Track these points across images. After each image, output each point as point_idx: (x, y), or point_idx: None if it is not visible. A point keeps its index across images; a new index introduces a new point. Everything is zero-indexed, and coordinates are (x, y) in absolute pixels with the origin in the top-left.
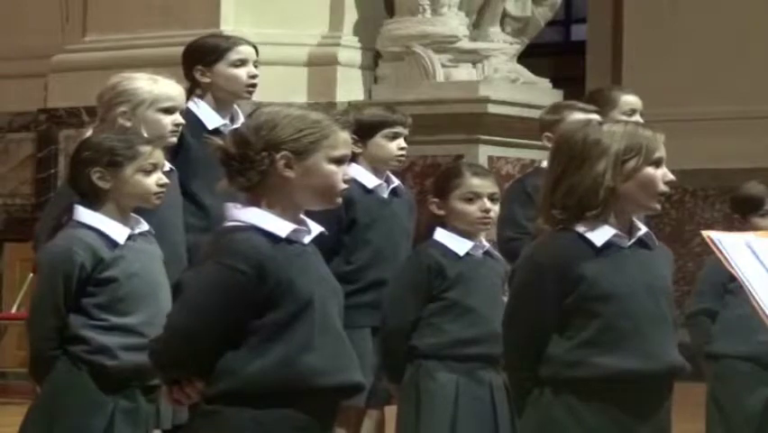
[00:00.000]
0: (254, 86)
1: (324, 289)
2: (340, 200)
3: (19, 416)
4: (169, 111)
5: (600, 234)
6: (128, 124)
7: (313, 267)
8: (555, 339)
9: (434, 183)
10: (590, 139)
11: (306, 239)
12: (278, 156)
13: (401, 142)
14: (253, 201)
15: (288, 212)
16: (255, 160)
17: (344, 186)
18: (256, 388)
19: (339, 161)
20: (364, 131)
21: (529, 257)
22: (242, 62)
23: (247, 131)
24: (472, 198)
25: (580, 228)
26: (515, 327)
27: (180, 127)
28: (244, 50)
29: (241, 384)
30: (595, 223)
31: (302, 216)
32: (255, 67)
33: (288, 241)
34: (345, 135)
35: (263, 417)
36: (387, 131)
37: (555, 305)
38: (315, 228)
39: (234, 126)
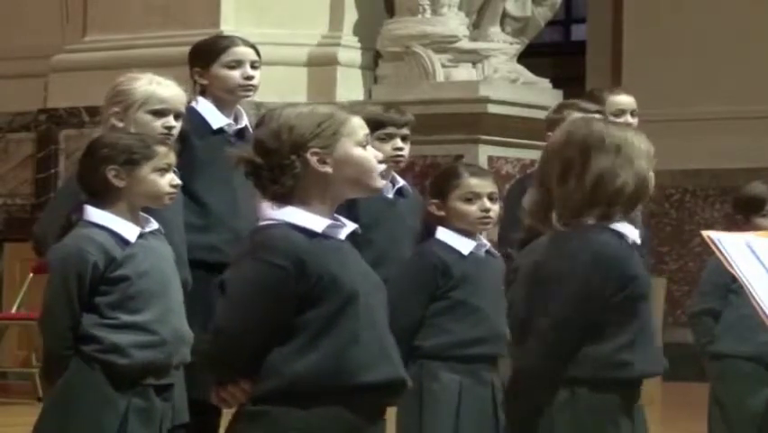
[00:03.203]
0: (251, 87)
1: (368, 283)
2: (381, 184)
3: (19, 416)
4: (159, 113)
5: (631, 232)
6: (120, 124)
7: (353, 262)
8: (593, 339)
9: (433, 184)
10: (630, 139)
11: (342, 234)
12: (308, 155)
13: (397, 142)
14: (285, 203)
15: (322, 208)
16: (286, 164)
17: (382, 166)
18: (303, 386)
19: (364, 144)
20: None
21: (588, 255)
22: (237, 63)
23: (266, 138)
24: (472, 198)
25: (616, 225)
26: (569, 330)
27: (173, 130)
28: (239, 52)
29: (287, 383)
30: (622, 220)
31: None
32: (255, 67)
33: (325, 237)
34: (357, 119)
35: (311, 417)
36: (379, 132)
37: (608, 304)
38: (350, 225)
39: (238, 126)
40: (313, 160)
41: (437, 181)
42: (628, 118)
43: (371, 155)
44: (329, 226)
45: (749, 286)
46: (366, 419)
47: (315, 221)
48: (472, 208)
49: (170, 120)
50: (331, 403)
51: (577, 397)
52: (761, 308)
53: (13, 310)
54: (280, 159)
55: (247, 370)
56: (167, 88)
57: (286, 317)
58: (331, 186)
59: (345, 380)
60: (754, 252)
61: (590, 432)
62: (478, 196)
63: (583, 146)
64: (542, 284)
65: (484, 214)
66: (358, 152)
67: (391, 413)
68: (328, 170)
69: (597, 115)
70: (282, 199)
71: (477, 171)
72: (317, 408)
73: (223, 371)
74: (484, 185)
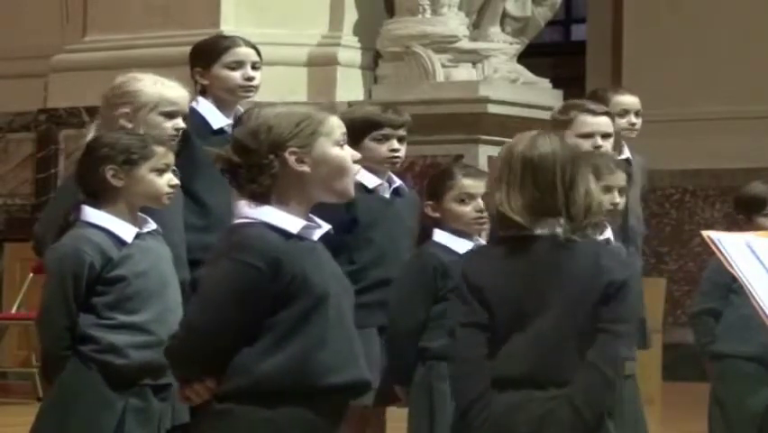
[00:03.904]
0: (251, 87)
1: (338, 285)
2: (352, 192)
3: (19, 416)
4: (170, 115)
5: None
6: (129, 125)
7: (325, 263)
8: None
9: (428, 186)
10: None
11: (316, 236)
12: (286, 154)
13: (393, 143)
14: (262, 202)
15: (299, 208)
16: (264, 164)
17: (357, 167)
18: (269, 386)
19: (341, 144)
20: (355, 133)
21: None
22: (237, 64)
23: (244, 138)
24: (466, 198)
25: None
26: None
27: (181, 132)
28: (240, 52)
29: (253, 382)
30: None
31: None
32: (256, 68)
33: (299, 237)
34: (335, 118)
35: (275, 416)
36: (375, 133)
37: None
38: (324, 225)
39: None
40: (291, 159)
41: (432, 183)
42: (632, 118)
43: (348, 155)
44: (304, 227)
45: (749, 286)
46: (329, 420)
47: (291, 222)
48: (467, 209)
49: (180, 122)
50: (295, 404)
51: None
52: (761, 308)
53: (13, 310)
54: (258, 158)
55: (214, 368)
56: (175, 90)
57: (258, 317)
58: (308, 185)
59: (312, 381)
60: (754, 252)
61: None
62: (472, 197)
63: (575, 161)
64: (606, 292)
65: (479, 214)
66: (335, 151)
67: (403, 413)
68: (306, 169)
69: (604, 118)
70: (259, 198)
71: (471, 172)
72: (282, 408)
73: (190, 368)
74: (478, 186)
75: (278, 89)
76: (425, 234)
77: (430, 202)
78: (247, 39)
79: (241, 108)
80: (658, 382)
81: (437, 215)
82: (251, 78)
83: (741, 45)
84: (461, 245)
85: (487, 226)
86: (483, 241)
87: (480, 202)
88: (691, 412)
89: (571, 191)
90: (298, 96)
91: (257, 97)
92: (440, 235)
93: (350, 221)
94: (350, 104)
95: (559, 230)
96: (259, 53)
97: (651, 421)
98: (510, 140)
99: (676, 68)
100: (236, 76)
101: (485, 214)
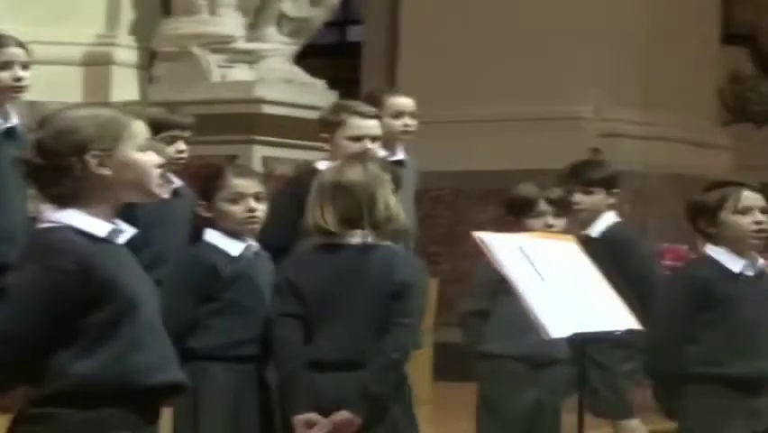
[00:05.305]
0: (20, 88)
1: (146, 288)
2: (159, 191)
3: None
4: None
5: None
6: None
7: (132, 267)
8: None
9: (199, 186)
10: None
11: (122, 239)
12: (88, 157)
13: (180, 145)
14: (65, 206)
15: (103, 211)
16: (66, 166)
17: (159, 171)
18: (85, 388)
19: (144, 149)
20: None
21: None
22: (6, 64)
23: (47, 139)
24: (237, 198)
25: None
26: None
27: None
28: (8, 53)
29: (70, 385)
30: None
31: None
32: (26, 68)
33: (106, 241)
34: (140, 123)
35: (93, 416)
36: (163, 134)
37: None
38: (129, 229)
39: (7, 125)
40: (92, 162)
41: (203, 183)
42: (407, 120)
43: (150, 160)
44: (111, 231)
45: (519, 287)
46: (147, 420)
47: (97, 225)
48: (238, 209)
49: None
50: (114, 405)
51: None
52: (530, 308)
53: None
54: (60, 160)
55: (28, 374)
56: None
57: (70, 321)
58: (110, 189)
59: (129, 382)
60: (525, 254)
61: None
62: (242, 196)
63: (375, 182)
64: (396, 290)
65: (249, 214)
66: (138, 156)
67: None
68: (107, 172)
69: (373, 121)
70: (62, 201)
71: (241, 172)
72: (100, 409)
73: (5, 376)
74: (249, 185)
75: (52, 88)
76: (198, 235)
77: (202, 202)
78: (16, 38)
79: (9, 107)
80: (429, 383)
81: (210, 215)
82: (20, 79)
83: (509, 48)
84: (233, 246)
85: (258, 226)
86: (253, 242)
87: (251, 202)
88: (461, 412)
89: (374, 207)
90: (73, 95)
91: (30, 96)
92: (211, 235)
93: (128, 221)
94: (125, 104)
95: (369, 238)
96: (28, 52)
97: (422, 421)
98: (285, 140)
99: (449, 70)
100: (5, 76)
101: (256, 213)
